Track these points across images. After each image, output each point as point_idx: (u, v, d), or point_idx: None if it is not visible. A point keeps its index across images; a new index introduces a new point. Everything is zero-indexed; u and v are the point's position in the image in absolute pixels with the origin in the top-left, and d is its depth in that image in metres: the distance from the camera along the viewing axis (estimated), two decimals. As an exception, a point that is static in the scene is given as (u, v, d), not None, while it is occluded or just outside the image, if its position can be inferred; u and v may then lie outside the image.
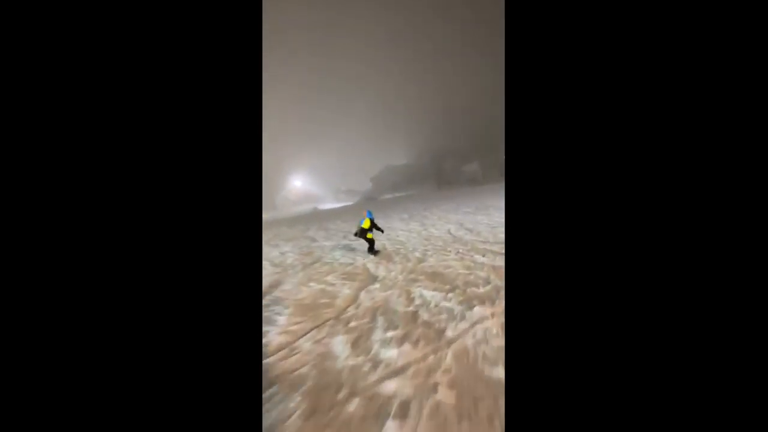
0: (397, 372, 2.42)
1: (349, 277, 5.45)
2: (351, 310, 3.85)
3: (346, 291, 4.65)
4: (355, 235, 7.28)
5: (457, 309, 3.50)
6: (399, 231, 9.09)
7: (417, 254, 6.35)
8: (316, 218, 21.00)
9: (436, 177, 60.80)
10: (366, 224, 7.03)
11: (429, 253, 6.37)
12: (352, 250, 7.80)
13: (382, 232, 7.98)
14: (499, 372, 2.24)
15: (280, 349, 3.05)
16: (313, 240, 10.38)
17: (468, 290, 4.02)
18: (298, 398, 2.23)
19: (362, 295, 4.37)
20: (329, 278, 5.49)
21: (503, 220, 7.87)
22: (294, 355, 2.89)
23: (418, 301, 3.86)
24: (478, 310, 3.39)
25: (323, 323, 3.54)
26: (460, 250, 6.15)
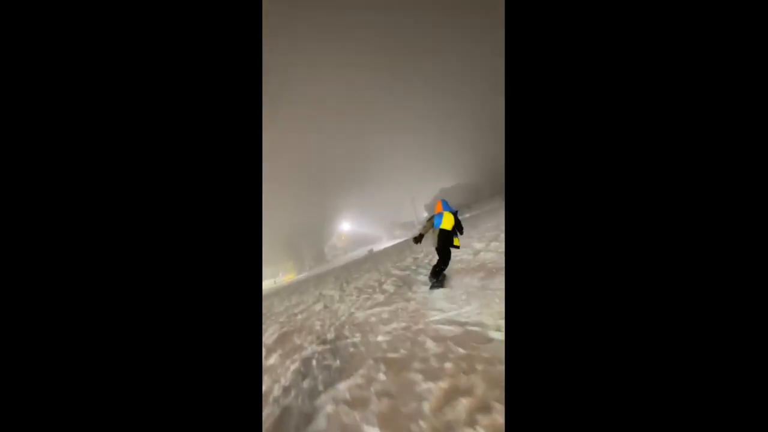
0: None
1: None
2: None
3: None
4: (417, 241, 4.17)
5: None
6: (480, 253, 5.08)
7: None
8: (371, 260, 13.62)
9: (496, 190, 48.91)
10: (448, 223, 3.85)
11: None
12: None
13: (462, 233, 4.12)
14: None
15: None
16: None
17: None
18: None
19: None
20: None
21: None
22: None
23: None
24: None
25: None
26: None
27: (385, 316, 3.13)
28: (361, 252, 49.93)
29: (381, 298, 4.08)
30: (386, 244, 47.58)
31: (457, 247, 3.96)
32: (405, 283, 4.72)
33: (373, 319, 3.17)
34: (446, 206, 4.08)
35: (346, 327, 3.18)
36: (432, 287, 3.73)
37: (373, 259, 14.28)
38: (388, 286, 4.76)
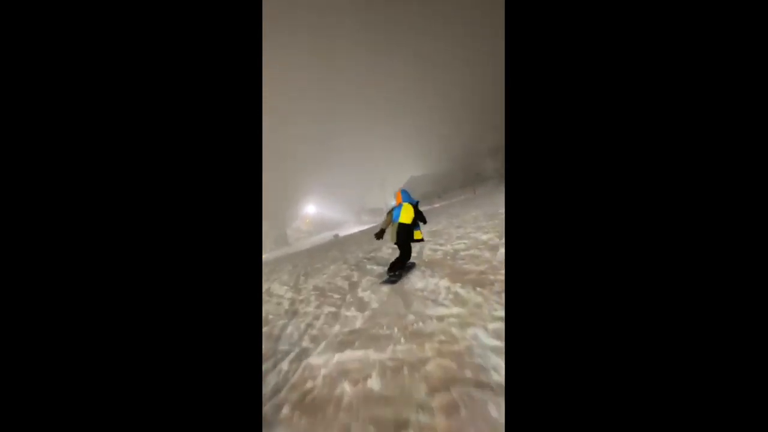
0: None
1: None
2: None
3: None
4: (378, 236, 3.76)
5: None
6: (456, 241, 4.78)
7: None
8: (337, 247, 11.86)
9: (468, 179, 49.12)
10: (407, 215, 3.58)
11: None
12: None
13: (425, 223, 3.92)
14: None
15: None
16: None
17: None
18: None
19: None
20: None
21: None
22: None
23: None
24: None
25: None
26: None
27: (361, 367, 1.61)
28: (326, 236, 47.74)
29: (355, 315, 2.51)
30: (353, 229, 45.85)
31: (420, 240, 3.63)
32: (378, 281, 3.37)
33: (337, 373, 1.63)
34: (406, 197, 3.73)
35: (286, 390, 1.60)
36: (384, 282, 3.43)
37: (339, 245, 12.56)
38: (364, 291, 3.23)
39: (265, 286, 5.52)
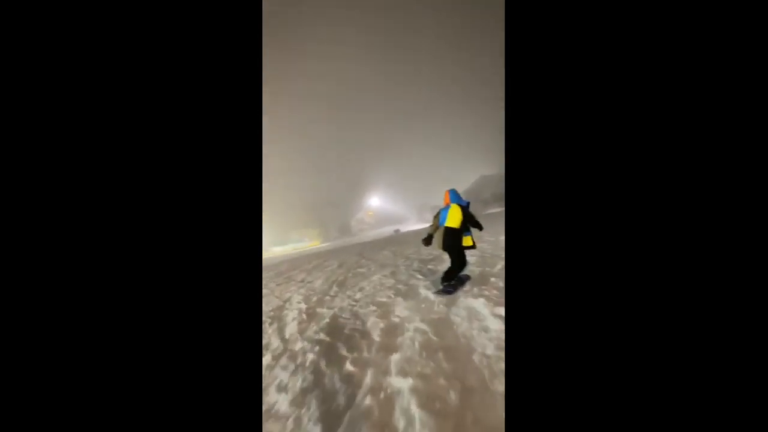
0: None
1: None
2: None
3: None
4: (427, 242, 3.35)
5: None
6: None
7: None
8: (392, 246, 10.40)
9: None
10: (454, 218, 3.06)
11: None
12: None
13: (481, 229, 3.27)
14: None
15: None
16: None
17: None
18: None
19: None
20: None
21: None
22: None
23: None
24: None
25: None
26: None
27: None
28: (387, 230, 47.29)
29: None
30: (415, 226, 44.43)
31: (471, 247, 3.04)
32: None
33: None
34: (455, 197, 3.18)
35: None
36: (437, 292, 3.00)
37: (396, 243, 11.17)
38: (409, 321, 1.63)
39: (290, 291, 4.34)
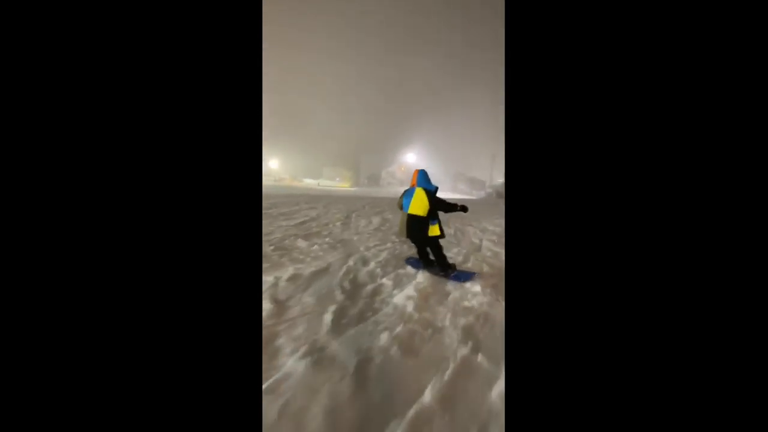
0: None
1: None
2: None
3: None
4: (411, 238, 3.05)
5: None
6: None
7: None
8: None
9: None
10: (419, 205, 2.87)
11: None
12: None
13: (466, 211, 3.00)
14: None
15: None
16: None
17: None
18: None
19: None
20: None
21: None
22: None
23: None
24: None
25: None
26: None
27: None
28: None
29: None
30: (442, 194, 43.65)
31: (440, 236, 2.87)
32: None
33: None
34: (422, 180, 2.91)
35: None
36: (449, 276, 2.84)
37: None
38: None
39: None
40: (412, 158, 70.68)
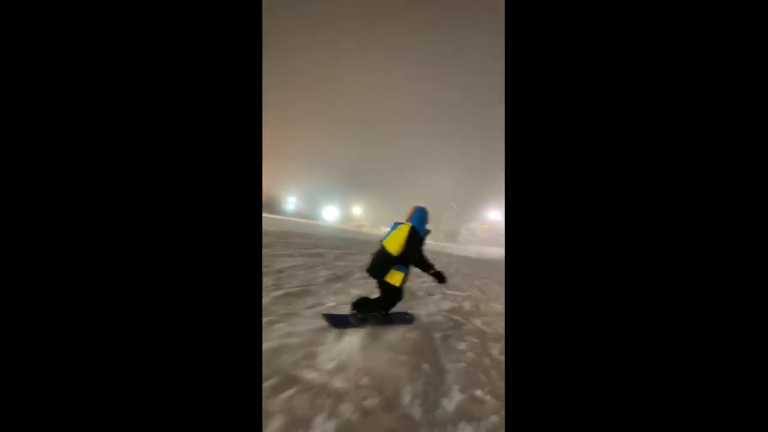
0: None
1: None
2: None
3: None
4: (369, 272, 2.68)
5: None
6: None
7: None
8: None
9: None
10: (394, 240, 2.51)
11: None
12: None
13: (441, 281, 2.46)
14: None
15: None
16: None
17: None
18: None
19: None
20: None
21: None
22: None
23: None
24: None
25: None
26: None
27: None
28: (496, 253, 42.19)
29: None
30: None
31: (397, 288, 2.38)
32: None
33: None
34: (417, 219, 2.58)
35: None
36: (325, 314, 2.40)
37: (479, 265, 9.30)
38: None
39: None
40: (497, 216, 66.10)
